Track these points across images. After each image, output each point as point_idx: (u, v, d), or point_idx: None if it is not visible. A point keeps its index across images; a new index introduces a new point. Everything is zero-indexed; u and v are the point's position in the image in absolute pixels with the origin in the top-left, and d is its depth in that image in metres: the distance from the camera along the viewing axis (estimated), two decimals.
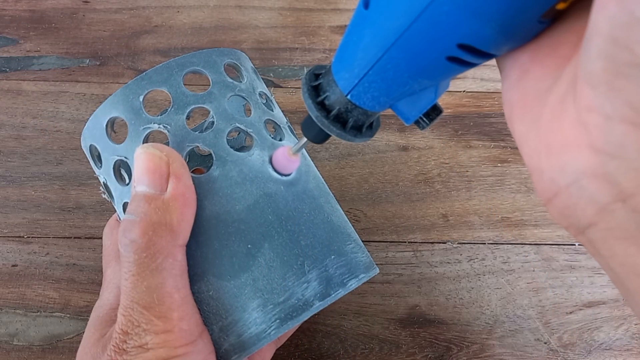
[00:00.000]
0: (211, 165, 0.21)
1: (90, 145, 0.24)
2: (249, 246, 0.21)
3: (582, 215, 0.13)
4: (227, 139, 0.22)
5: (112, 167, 0.22)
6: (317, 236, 0.22)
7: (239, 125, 0.22)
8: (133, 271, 0.19)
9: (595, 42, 0.10)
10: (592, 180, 0.12)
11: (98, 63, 0.42)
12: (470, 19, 0.12)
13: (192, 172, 0.21)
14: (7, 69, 0.42)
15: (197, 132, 0.22)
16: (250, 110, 0.24)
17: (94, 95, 0.41)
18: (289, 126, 0.26)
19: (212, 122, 0.22)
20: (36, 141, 0.39)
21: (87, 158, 0.38)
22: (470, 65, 0.14)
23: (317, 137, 0.19)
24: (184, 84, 0.22)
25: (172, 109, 0.22)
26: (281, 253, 0.21)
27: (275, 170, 0.22)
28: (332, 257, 0.22)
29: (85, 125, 0.24)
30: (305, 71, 0.18)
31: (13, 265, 0.35)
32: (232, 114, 0.22)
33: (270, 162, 0.22)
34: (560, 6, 0.12)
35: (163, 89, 0.22)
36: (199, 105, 0.22)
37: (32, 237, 0.36)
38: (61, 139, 0.39)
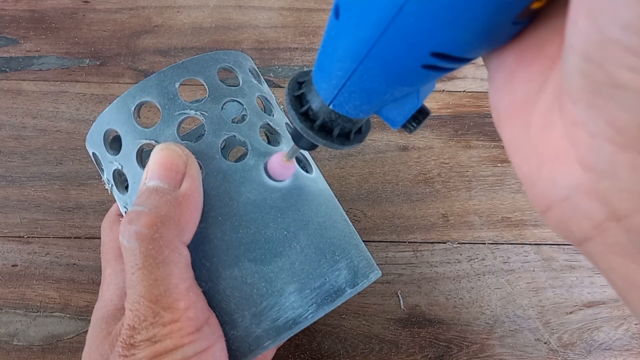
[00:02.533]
0: (246, 154, 0.22)
1: (107, 130, 0.23)
2: (285, 232, 0.21)
3: (578, 230, 0.12)
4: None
5: (135, 151, 0.22)
6: (339, 230, 0.23)
7: (268, 122, 0.24)
8: (139, 264, 0.19)
9: (571, 58, 0.10)
10: (584, 197, 0.11)
11: (98, 63, 0.42)
12: (440, 28, 0.11)
13: None
14: (7, 69, 0.42)
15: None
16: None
17: (94, 95, 0.41)
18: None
19: (244, 116, 0.23)
20: (36, 141, 0.39)
21: (87, 158, 0.38)
22: (449, 70, 0.13)
23: (306, 145, 0.19)
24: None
25: (209, 99, 0.22)
26: (315, 241, 0.22)
27: (270, 177, 0.22)
28: (354, 250, 0.23)
29: (103, 110, 0.23)
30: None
31: (13, 265, 0.35)
32: (261, 111, 0.24)
33: (265, 169, 0.22)
34: (536, 5, 0.11)
35: (199, 78, 0.23)
36: (233, 99, 0.23)
37: (32, 237, 0.36)
38: (61, 139, 0.39)
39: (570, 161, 0.11)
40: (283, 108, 0.27)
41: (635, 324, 0.35)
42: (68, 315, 0.34)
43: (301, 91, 0.17)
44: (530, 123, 0.12)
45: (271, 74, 0.43)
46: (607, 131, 0.10)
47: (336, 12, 0.14)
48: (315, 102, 0.17)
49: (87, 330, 0.23)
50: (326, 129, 0.17)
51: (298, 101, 0.17)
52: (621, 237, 0.11)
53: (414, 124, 0.16)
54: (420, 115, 0.16)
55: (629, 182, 0.10)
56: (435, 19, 0.11)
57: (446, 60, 0.13)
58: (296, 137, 0.19)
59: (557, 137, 0.11)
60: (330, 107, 0.16)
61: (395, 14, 0.12)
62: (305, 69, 0.43)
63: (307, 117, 0.17)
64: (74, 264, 0.35)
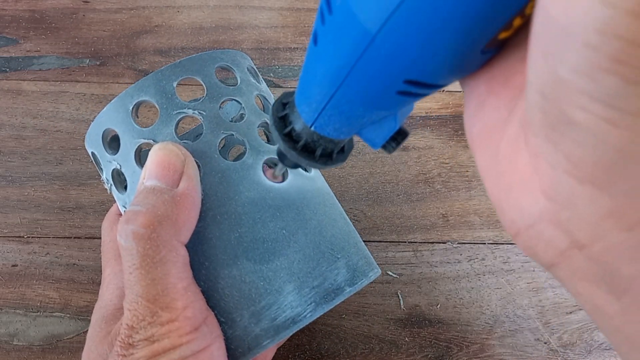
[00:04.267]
0: (245, 153, 0.22)
1: (105, 130, 0.23)
2: (284, 231, 0.21)
3: (544, 256, 0.12)
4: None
5: (133, 150, 0.22)
6: (338, 229, 0.23)
7: (267, 120, 0.23)
8: (137, 264, 0.19)
9: (530, 93, 0.10)
10: (548, 225, 0.12)
11: (98, 63, 0.42)
12: (411, 57, 0.12)
13: None
14: (7, 69, 0.42)
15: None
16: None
17: (94, 95, 0.41)
18: None
19: (243, 114, 0.23)
20: (36, 141, 0.39)
21: (87, 158, 0.38)
22: (423, 95, 0.14)
23: (290, 163, 0.19)
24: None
25: (207, 98, 0.22)
26: (313, 240, 0.22)
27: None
28: (353, 249, 0.23)
29: (102, 110, 0.23)
30: None
31: (13, 265, 0.35)
32: (259, 110, 0.24)
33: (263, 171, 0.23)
34: (503, 35, 0.12)
35: (197, 77, 0.23)
36: (231, 97, 0.23)
37: (32, 237, 0.36)
38: (61, 139, 0.39)
39: (535, 190, 0.11)
40: None
41: None
42: (68, 315, 0.34)
43: (285, 112, 0.18)
44: (499, 150, 0.13)
45: (271, 74, 0.43)
46: (565, 164, 0.10)
47: (315, 39, 0.14)
48: (298, 124, 0.17)
49: (87, 330, 0.23)
50: (309, 149, 0.18)
51: (282, 122, 0.18)
52: (584, 264, 0.11)
53: (393, 144, 0.17)
54: (399, 136, 0.17)
55: (587, 213, 0.10)
56: (406, 49, 0.12)
57: (419, 87, 0.13)
58: (281, 156, 0.19)
59: (523, 166, 0.12)
60: (312, 128, 0.17)
61: (367, 44, 0.12)
62: None
63: (290, 137, 0.18)
64: (74, 264, 0.35)
